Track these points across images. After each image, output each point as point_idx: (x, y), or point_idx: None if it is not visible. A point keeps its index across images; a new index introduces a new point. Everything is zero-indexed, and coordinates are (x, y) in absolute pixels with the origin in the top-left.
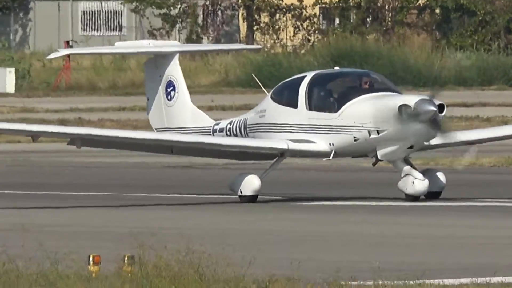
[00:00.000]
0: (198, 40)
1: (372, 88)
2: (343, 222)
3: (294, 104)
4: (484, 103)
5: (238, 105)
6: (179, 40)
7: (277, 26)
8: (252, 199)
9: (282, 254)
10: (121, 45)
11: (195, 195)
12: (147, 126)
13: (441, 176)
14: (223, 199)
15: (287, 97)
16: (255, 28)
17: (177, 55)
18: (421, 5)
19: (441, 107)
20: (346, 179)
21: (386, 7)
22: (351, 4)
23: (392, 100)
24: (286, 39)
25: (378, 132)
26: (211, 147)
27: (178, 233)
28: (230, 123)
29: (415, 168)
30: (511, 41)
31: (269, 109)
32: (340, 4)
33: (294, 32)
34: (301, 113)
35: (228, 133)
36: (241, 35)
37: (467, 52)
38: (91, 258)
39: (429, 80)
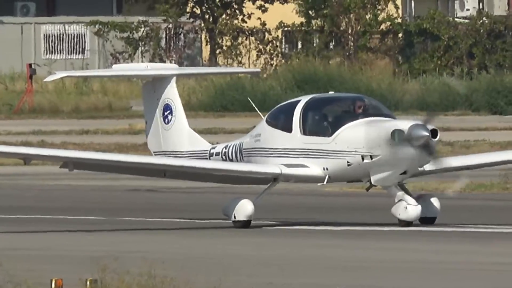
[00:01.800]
0: None
1: (366, 113)
2: (311, 246)
3: (288, 128)
4: (447, 127)
5: (200, 129)
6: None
7: (239, 50)
8: (246, 224)
9: (246, 278)
10: (119, 68)
11: (158, 219)
12: (109, 150)
13: (435, 202)
14: (187, 223)
15: (281, 121)
16: (217, 51)
17: (174, 78)
18: (384, 29)
19: (434, 133)
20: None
21: (349, 31)
22: (314, 27)
23: (386, 125)
24: (249, 62)
25: (371, 157)
26: (204, 172)
27: (141, 257)
28: (225, 147)
29: (409, 194)
30: (473, 66)
31: (264, 133)
32: (303, 28)
33: (257, 55)
34: (296, 138)
35: (224, 157)
36: (203, 59)
37: (430, 77)
38: (53, 282)
39: (392, 105)
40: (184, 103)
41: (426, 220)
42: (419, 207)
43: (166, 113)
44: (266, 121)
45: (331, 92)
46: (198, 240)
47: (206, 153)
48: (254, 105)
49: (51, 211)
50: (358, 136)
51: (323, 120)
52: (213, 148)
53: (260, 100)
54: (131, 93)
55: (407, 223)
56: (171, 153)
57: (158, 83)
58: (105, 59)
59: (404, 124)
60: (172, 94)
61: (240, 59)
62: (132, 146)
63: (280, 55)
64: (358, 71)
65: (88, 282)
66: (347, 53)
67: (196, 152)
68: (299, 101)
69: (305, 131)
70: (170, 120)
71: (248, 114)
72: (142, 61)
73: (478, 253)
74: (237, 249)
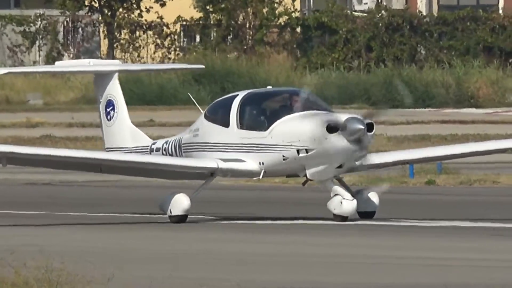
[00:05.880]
0: (59, 57)
1: (302, 107)
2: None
3: (226, 123)
4: None
5: (98, 122)
6: (39, 57)
7: (137, 44)
8: (182, 218)
9: (144, 272)
10: (61, 64)
11: (55, 213)
12: (6, 143)
13: (373, 196)
14: (85, 216)
15: (219, 116)
16: (115, 45)
17: (117, 74)
18: (282, 23)
19: (370, 126)
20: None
21: (247, 25)
22: (211, 21)
23: (321, 119)
24: (147, 56)
25: (306, 151)
26: (139, 166)
27: (39, 250)
28: (166, 143)
29: (346, 188)
30: (371, 59)
31: (202, 128)
32: (201, 22)
33: (155, 49)
34: (233, 132)
35: (164, 152)
36: (101, 52)
37: (328, 70)
38: None
39: None
40: (81, 96)
41: (365, 214)
42: (355, 201)
43: (108, 110)
44: (205, 115)
45: (268, 87)
46: (97, 234)
47: (147, 149)
48: (194, 101)
49: None
50: (293, 130)
51: (259, 115)
52: (154, 143)
53: (158, 94)
54: (28, 87)
55: (343, 218)
56: (114, 149)
57: (100, 79)
58: (3, 52)
59: (340, 117)
60: (114, 90)
61: (138, 52)
62: (29, 140)
63: (178, 49)
64: (255, 64)
65: None
66: (245, 47)
67: (138, 148)
68: (236, 95)
69: (242, 125)
70: (113, 116)
71: (146, 107)
72: (39, 55)
73: (374, 246)
74: (136, 244)
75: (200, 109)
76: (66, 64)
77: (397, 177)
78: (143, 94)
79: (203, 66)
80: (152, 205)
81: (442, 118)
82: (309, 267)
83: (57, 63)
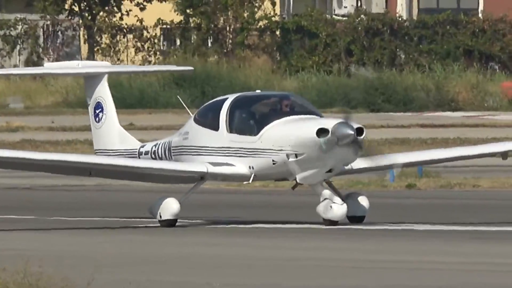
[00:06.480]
0: (39, 61)
1: (293, 111)
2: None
3: (215, 126)
4: None
5: (78, 126)
6: (19, 61)
7: (118, 47)
8: (171, 223)
9: (122, 276)
10: (50, 66)
11: (35, 217)
12: None
13: (363, 200)
14: (65, 220)
15: (209, 120)
16: (96, 49)
17: (106, 76)
18: (262, 26)
19: (359, 130)
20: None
21: (227, 28)
22: (192, 25)
23: (310, 124)
24: (127, 60)
25: (296, 156)
26: (129, 170)
27: (17, 254)
28: (155, 146)
29: (336, 192)
30: (351, 63)
31: (192, 131)
32: (181, 25)
33: (135, 53)
34: (222, 136)
35: (153, 155)
36: (82, 56)
37: (308, 74)
38: None
39: None
40: (61, 100)
41: (354, 218)
42: (345, 206)
43: (97, 111)
44: (194, 119)
45: (258, 91)
46: (77, 238)
47: (136, 151)
48: (183, 103)
49: None
50: (283, 135)
51: (249, 119)
52: (142, 146)
53: (138, 97)
54: (8, 91)
55: (332, 222)
56: (103, 151)
57: (89, 81)
58: None
59: (329, 122)
60: (103, 92)
61: (118, 56)
62: (10, 144)
63: (158, 52)
64: (236, 68)
65: None
66: (225, 50)
67: (126, 150)
68: (226, 99)
69: (231, 129)
70: (101, 118)
71: (125, 111)
72: (19, 59)
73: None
74: (113, 247)
75: (190, 112)
76: (55, 66)
77: (377, 181)
78: (123, 97)
79: (192, 68)
80: (140, 209)
81: (422, 121)
82: (295, 271)
83: (46, 64)
